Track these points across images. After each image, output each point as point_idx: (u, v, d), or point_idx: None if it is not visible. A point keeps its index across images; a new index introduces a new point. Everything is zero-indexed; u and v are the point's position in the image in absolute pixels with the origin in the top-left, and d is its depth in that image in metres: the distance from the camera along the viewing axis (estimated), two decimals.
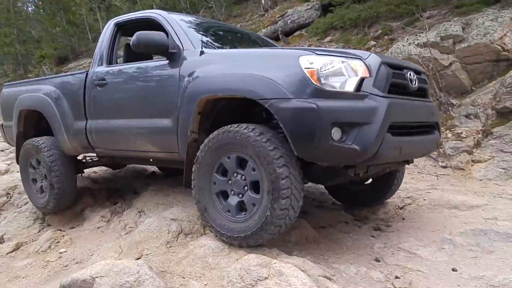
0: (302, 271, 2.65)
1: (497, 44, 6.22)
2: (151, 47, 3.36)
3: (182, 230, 3.49)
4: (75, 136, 4.33)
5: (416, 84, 3.15)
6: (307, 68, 2.66)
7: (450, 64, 6.59)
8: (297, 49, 3.08)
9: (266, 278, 2.57)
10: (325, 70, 2.68)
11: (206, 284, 2.70)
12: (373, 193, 4.21)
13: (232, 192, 3.00)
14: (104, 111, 4.05)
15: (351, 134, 2.61)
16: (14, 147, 5.23)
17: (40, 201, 4.70)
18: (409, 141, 3.02)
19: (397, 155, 2.96)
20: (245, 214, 2.92)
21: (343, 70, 2.71)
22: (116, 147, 4.10)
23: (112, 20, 4.45)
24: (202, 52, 3.31)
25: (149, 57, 4.17)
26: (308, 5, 11.01)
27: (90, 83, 4.15)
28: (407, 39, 7.21)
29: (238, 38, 4.47)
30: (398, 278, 2.87)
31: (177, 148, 3.37)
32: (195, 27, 3.95)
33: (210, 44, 3.71)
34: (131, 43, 3.36)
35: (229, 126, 2.96)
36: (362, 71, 2.74)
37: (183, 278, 2.80)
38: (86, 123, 4.20)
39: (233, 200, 2.98)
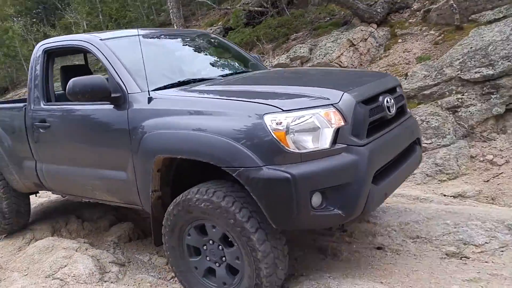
0: (97, 259, 3.58)
1: (335, 62, 7.50)
2: (90, 94, 2.91)
3: (34, 237, 4.41)
4: (26, 176, 4.01)
5: (393, 110, 2.83)
6: (275, 129, 2.32)
7: None
8: (261, 98, 2.54)
9: (66, 265, 3.56)
10: (294, 129, 2.33)
11: (26, 274, 3.68)
12: None
13: (215, 263, 2.74)
14: (52, 156, 3.70)
15: (332, 198, 2.35)
16: None
17: None
18: (393, 179, 2.73)
19: (383, 200, 2.76)
20: (238, 275, 2.66)
21: (315, 124, 2.36)
22: (73, 193, 3.82)
23: (39, 45, 3.82)
24: (150, 99, 2.86)
25: None
26: (211, 29, 12.19)
27: (30, 124, 3.71)
28: (268, 61, 8.48)
29: (192, 54, 3.96)
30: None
31: (140, 202, 3.08)
32: (136, 54, 3.29)
33: (159, 78, 3.15)
34: (66, 92, 2.94)
35: (192, 191, 2.65)
36: (336, 120, 2.39)
37: (12, 271, 3.79)
38: (36, 164, 3.85)
39: (221, 270, 2.73)
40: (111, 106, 3.05)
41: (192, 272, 2.84)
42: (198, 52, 4.05)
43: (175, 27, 13.50)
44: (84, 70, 4.56)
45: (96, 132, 3.23)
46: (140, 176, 2.93)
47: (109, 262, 3.62)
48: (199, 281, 2.82)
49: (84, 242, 4.05)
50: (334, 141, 2.39)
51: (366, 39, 7.66)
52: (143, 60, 2.94)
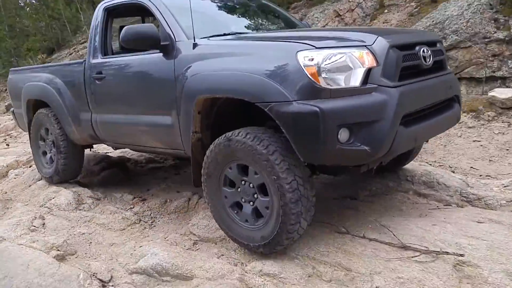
0: (78, 194, 4.50)
1: None
2: (142, 42, 3.14)
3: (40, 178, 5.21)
4: (82, 127, 4.29)
5: (430, 61, 2.85)
6: (307, 65, 2.40)
7: None
8: (295, 40, 2.65)
9: (53, 198, 4.47)
10: (326, 66, 2.40)
11: (27, 204, 4.58)
12: (394, 162, 3.71)
13: (243, 200, 2.87)
14: (106, 106, 3.97)
15: (360, 134, 2.41)
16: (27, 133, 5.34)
17: (47, 171, 4.88)
18: (425, 126, 2.78)
19: (412, 145, 2.84)
20: (262, 220, 2.77)
21: (347, 63, 2.43)
22: (125, 142, 4.10)
23: (101, 4, 4.12)
24: (195, 45, 3.05)
25: None
26: None
27: (88, 76, 4.02)
28: None
29: (238, 11, 4.14)
30: None
31: (182, 146, 3.26)
32: (185, 6, 3.53)
33: (206, 29, 3.32)
34: (120, 40, 3.19)
35: (223, 136, 2.81)
36: (368, 61, 2.47)
37: (17, 202, 4.86)
38: (91, 115, 4.13)
39: (247, 208, 2.85)
40: (160, 55, 3.26)
41: (221, 199, 2.98)
42: (245, 9, 4.21)
43: None
44: None
45: (145, 80, 3.44)
46: (183, 118, 3.10)
47: (87, 197, 4.51)
48: (225, 209, 2.97)
49: (74, 181, 5.00)
50: (365, 81, 2.46)
51: (353, 10, 8.13)
52: (190, 10, 3.08)
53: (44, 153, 5.04)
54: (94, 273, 3.02)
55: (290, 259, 2.84)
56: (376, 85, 2.48)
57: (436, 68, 3.01)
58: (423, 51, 2.81)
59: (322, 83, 2.41)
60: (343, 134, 2.41)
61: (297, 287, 2.59)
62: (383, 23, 7.61)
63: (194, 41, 3.06)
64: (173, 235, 3.55)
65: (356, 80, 2.45)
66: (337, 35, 2.77)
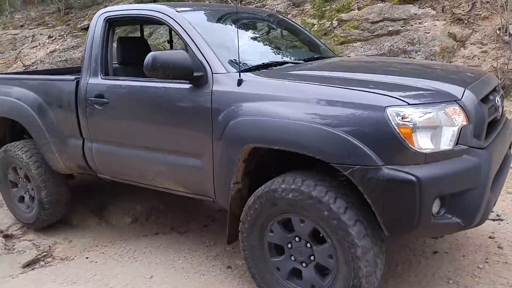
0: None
1: None
2: (171, 71, 2.64)
3: None
4: (68, 156, 3.67)
5: (501, 110, 2.63)
6: (399, 124, 2.06)
7: None
8: (377, 89, 2.27)
9: None
10: (422, 126, 2.08)
11: None
12: None
13: (303, 264, 2.47)
14: (108, 135, 3.37)
15: (451, 205, 2.13)
16: None
17: (26, 216, 4.11)
18: (499, 185, 2.52)
19: (492, 209, 2.48)
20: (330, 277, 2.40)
21: (442, 122, 2.12)
22: (129, 178, 3.46)
23: (100, 12, 3.49)
24: (241, 81, 2.59)
25: None
26: None
27: (83, 98, 3.37)
28: None
29: (266, 35, 3.70)
30: None
31: (213, 194, 2.82)
32: (216, 30, 3.17)
33: (244, 60, 2.84)
34: (144, 67, 2.66)
35: (277, 181, 2.42)
36: (460, 119, 2.17)
37: None
38: (83, 143, 3.52)
39: (309, 272, 2.45)
40: (189, 86, 2.79)
41: (273, 274, 2.56)
42: (271, 33, 3.80)
43: None
44: (141, 43, 4.42)
45: (168, 114, 2.92)
46: (221, 165, 2.66)
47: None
48: (281, 284, 2.54)
49: None
50: (457, 143, 2.15)
51: None
52: (237, 39, 2.67)
53: (22, 199, 4.21)
54: None
55: None
56: (467, 146, 2.17)
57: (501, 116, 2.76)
58: (497, 100, 2.56)
59: (416, 146, 2.07)
60: (435, 206, 2.11)
61: None
62: None
63: (240, 76, 2.60)
64: None
65: (450, 141, 2.13)
66: (422, 85, 2.36)
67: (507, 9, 7.14)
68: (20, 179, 4.14)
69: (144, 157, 3.14)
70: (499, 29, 7.10)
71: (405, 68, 3.14)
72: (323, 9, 7.47)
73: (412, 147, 2.06)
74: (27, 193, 4.12)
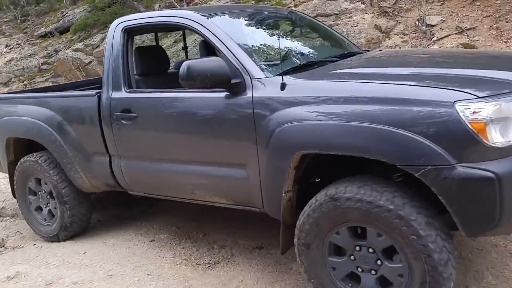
0: None
1: None
2: (209, 80, 2.56)
3: None
4: (95, 174, 3.57)
5: None
6: (471, 120, 1.96)
7: (90, 62, 10.43)
8: (440, 83, 2.17)
9: None
10: (495, 119, 1.98)
11: None
12: None
13: (361, 269, 2.35)
14: (139, 151, 3.27)
15: None
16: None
17: (41, 228, 4.09)
18: None
19: None
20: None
21: (510, 112, 2.02)
22: (163, 193, 3.36)
23: (117, 22, 3.39)
24: (284, 85, 2.46)
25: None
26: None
27: (107, 113, 3.26)
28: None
29: (293, 34, 3.58)
30: None
31: (261, 204, 2.72)
32: (248, 34, 3.08)
33: (282, 63, 2.74)
34: (180, 77, 2.57)
35: (323, 195, 2.33)
36: None
37: None
38: (111, 160, 3.43)
39: (368, 279, 2.33)
40: (225, 94, 2.69)
41: (327, 270, 2.46)
42: (297, 31, 3.69)
43: None
44: (159, 51, 4.23)
45: (206, 124, 2.80)
46: (269, 174, 2.55)
47: None
48: (334, 283, 2.44)
49: None
50: None
51: None
52: (279, 41, 2.68)
53: (39, 209, 4.14)
54: None
55: None
56: None
57: None
58: None
59: (491, 140, 1.97)
60: None
61: None
62: None
63: (283, 80, 2.48)
64: None
65: None
66: (482, 75, 2.32)
67: (425, 2, 7.86)
68: (42, 191, 4.04)
69: (181, 171, 3.07)
70: (418, 20, 7.82)
71: (453, 59, 3.05)
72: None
73: (487, 142, 1.96)
74: (47, 206, 4.04)
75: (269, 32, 3.31)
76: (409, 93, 2.15)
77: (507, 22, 7.16)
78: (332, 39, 3.83)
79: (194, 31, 2.98)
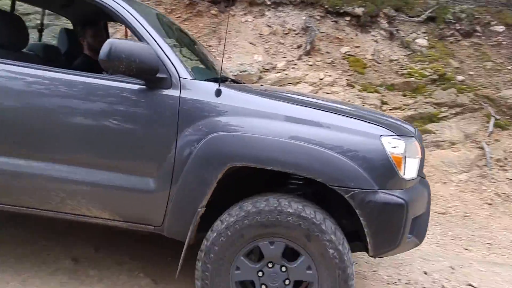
0: None
1: None
2: (135, 67, 2.20)
3: None
4: None
5: None
6: (393, 153, 2.25)
7: None
8: (374, 122, 2.39)
9: None
10: (407, 155, 2.32)
11: None
12: None
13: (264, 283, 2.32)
14: None
15: (414, 226, 2.41)
16: None
17: None
18: None
19: None
20: None
21: (417, 153, 2.43)
22: (18, 202, 2.52)
23: None
24: (219, 91, 2.35)
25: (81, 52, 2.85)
26: None
27: None
28: None
29: (191, 45, 3.34)
30: None
31: (160, 220, 2.40)
32: (166, 32, 2.81)
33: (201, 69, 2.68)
34: (101, 56, 2.15)
35: (239, 209, 2.29)
36: (419, 152, 2.53)
37: None
38: None
39: None
40: (140, 87, 2.35)
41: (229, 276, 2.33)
42: (194, 44, 3.47)
43: None
44: (16, 21, 3.17)
45: (104, 118, 2.34)
46: (187, 185, 2.31)
47: None
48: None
49: None
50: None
51: None
52: (225, 45, 2.59)
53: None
54: None
55: None
56: (419, 177, 2.56)
57: None
58: None
59: (403, 173, 2.30)
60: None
61: None
62: None
63: (219, 86, 2.36)
64: None
65: (415, 169, 2.43)
66: (392, 121, 2.68)
67: None
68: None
69: (52, 173, 2.41)
70: None
71: (342, 106, 3.09)
72: None
73: (401, 173, 2.28)
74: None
75: (173, 40, 2.99)
76: (342, 121, 2.35)
77: None
78: (209, 60, 3.61)
79: (114, 13, 2.49)
